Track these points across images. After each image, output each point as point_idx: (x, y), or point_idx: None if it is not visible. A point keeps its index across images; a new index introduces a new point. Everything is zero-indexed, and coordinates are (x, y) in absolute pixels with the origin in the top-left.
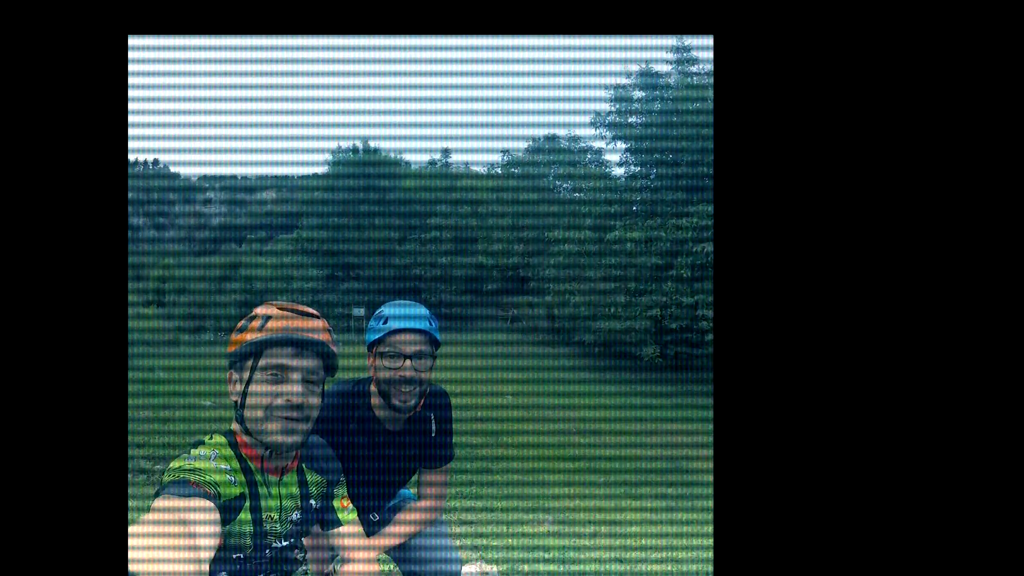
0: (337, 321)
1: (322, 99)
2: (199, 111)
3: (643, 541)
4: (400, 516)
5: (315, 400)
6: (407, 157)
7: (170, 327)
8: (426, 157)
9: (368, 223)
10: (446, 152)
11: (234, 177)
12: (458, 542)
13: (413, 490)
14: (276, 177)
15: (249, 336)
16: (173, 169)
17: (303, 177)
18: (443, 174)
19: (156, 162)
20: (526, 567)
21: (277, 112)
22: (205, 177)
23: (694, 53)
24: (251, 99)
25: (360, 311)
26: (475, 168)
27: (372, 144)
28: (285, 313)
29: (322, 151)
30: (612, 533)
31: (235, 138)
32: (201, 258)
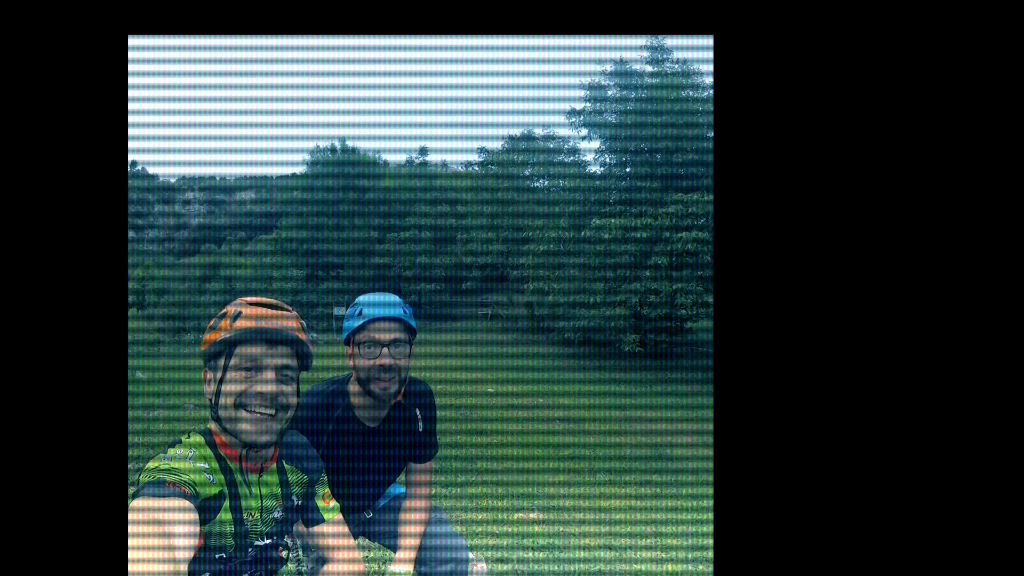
0: (318, 321)
1: (300, 99)
2: (176, 111)
3: (630, 528)
4: (405, 518)
5: (290, 394)
6: (385, 157)
7: (151, 329)
8: (403, 157)
9: (348, 223)
10: (423, 151)
11: (213, 177)
12: None
13: (401, 481)
14: (255, 177)
15: (221, 333)
16: (151, 170)
17: (282, 177)
18: (422, 174)
19: (134, 163)
20: (515, 556)
21: (255, 112)
22: (184, 178)
23: (667, 42)
24: (229, 99)
25: (341, 310)
26: (453, 166)
27: (350, 144)
28: (256, 309)
29: (300, 151)
30: (599, 520)
31: (213, 138)
32: (181, 259)
